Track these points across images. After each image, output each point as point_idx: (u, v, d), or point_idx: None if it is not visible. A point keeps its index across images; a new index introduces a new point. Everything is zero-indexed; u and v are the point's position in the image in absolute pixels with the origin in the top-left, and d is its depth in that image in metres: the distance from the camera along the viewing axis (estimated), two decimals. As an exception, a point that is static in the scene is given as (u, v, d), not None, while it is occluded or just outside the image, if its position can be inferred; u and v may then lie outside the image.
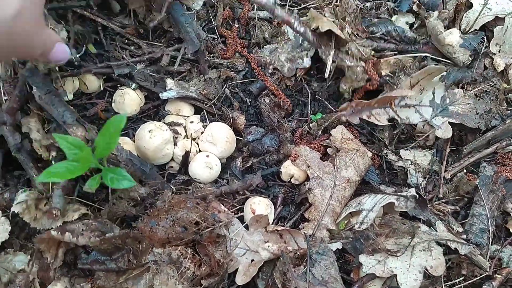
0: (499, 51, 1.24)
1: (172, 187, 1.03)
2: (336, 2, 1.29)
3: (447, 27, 1.29)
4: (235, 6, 1.28)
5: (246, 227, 1.00)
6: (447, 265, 0.96)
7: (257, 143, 1.14)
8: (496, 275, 0.98)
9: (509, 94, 1.20)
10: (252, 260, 0.97)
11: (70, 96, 1.10)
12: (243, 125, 1.14)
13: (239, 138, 1.15)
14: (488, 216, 1.03)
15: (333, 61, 1.13)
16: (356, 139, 1.13)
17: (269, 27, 1.27)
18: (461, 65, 1.18)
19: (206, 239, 0.95)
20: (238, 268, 0.96)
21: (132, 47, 1.18)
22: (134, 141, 1.07)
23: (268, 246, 0.96)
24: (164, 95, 1.10)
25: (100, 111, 1.10)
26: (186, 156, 1.07)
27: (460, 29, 1.31)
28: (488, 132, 1.13)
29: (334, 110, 1.20)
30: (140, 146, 1.03)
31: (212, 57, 1.20)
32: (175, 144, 1.08)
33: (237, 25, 1.26)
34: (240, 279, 0.95)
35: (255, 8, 1.28)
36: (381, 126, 1.16)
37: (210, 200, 0.99)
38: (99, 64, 1.12)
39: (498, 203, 1.05)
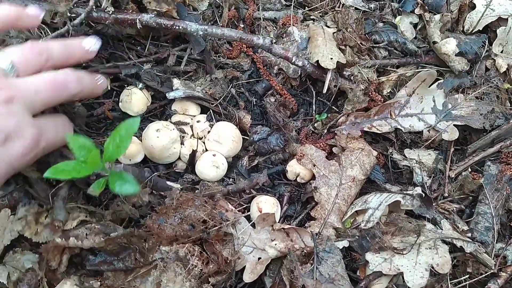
0: (501, 52, 1.25)
1: (180, 186, 1.04)
2: (339, 7, 1.31)
3: (450, 29, 1.30)
4: (240, 7, 1.29)
5: (253, 225, 1.01)
6: (453, 263, 0.97)
7: (262, 142, 1.15)
8: (501, 272, 0.99)
9: (513, 94, 1.21)
10: (259, 258, 0.97)
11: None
12: (249, 125, 1.15)
13: (245, 137, 1.16)
14: (493, 214, 1.04)
15: (335, 86, 1.15)
16: (361, 138, 1.14)
17: (274, 28, 1.28)
18: (457, 73, 1.20)
19: (213, 237, 0.95)
20: (245, 266, 0.97)
21: (138, 47, 1.19)
22: (141, 140, 1.07)
23: (275, 244, 0.97)
24: (171, 95, 1.11)
25: (107, 111, 1.11)
26: (193, 155, 1.08)
27: (463, 30, 1.32)
28: (493, 131, 1.14)
29: (338, 111, 1.21)
30: (148, 145, 1.04)
31: (218, 57, 1.21)
32: (182, 143, 1.09)
33: (242, 25, 1.27)
34: (247, 277, 0.96)
35: (260, 8, 1.29)
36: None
37: (217, 199, 1.00)
38: (106, 64, 1.13)
39: (503, 202, 1.06)
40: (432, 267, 0.91)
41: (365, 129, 1.13)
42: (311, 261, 0.94)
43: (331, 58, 1.12)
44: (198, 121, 1.12)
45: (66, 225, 0.94)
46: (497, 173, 1.09)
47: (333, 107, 1.22)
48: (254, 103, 1.21)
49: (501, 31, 1.24)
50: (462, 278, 0.99)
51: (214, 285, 0.94)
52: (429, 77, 1.14)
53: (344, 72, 1.16)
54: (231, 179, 1.11)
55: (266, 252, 0.97)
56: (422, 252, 0.93)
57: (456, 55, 1.19)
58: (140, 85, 1.12)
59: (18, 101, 0.77)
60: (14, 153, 0.76)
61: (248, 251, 0.98)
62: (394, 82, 1.20)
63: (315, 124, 1.19)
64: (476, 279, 0.98)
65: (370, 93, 1.16)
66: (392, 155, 1.14)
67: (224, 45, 1.24)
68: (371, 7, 1.31)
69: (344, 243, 0.97)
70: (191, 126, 1.12)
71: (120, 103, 1.13)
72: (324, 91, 1.13)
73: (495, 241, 1.03)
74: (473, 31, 1.29)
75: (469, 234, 1.03)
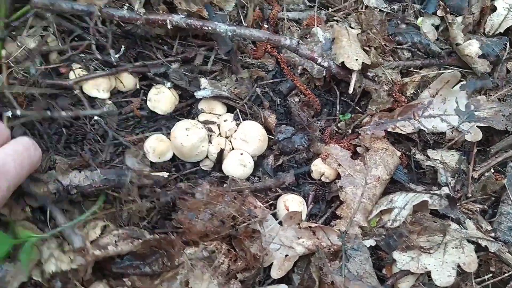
0: (523, 54, 1.26)
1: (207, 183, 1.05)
2: (362, 8, 1.32)
3: (472, 31, 1.31)
4: (264, 7, 1.31)
5: (280, 223, 1.03)
6: (477, 262, 0.99)
7: (287, 141, 1.16)
8: (524, 272, 1.00)
9: (535, 96, 1.23)
10: (287, 255, 0.99)
11: (107, 95, 1.12)
12: (274, 124, 1.17)
13: (270, 136, 1.17)
14: (517, 215, 1.06)
15: (359, 86, 1.16)
16: (385, 138, 1.15)
17: (298, 28, 1.30)
18: (479, 75, 1.21)
19: (242, 234, 0.97)
20: (273, 263, 0.99)
21: (165, 47, 1.21)
22: (169, 139, 1.09)
23: (302, 242, 0.99)
24: (199, 94, 1.12)
25: (136, 109, 1.13)
26: (221, 154, 1.09)
27: (484, 32, 1.34)
28: (515, 133, 1.16)
29: (361, 111, 1.23)
30: (177, 144, 1.06)
31: (244, 57, 1.23)
32: (209, 142, 1.11)
33: (266, 26, 1.29)
34: (275, 273, 0.98)
35: (284, 9, 1.31)
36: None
37: (246, 195, 1.02)
38: (135, 63, 1.14)
39: (526, 203, 1.08)
40: (459, 266, 0.93)
41: (389, 129, 1.15)
42: (339, 259, 0.96)
43: (356, 59, 1.13)
44: (225, 120, 1.13)
45: (90, 236, 0.92)
46: (520, 174, 1.11)
47: (356, 107, 1.23)
48: (278, 102, 1.22)
49: (522, 34, 1.26)
50: (486, 277, 1.00)
51: (243, 281, 0.96)
52: (452, 78, 1.16)
53: (368, 73, 1.18)
54: (256, 178, 1.13)
55: (294, 249, 0.99)
56: (448, 251, 0.95)
57: (478, 57, 1.20)
58: (169, 84, 1.14)
59: None
60: None
61: (275, 248, 1.00)
62: (418, 83, 1.22)
63: (339, 124, 1.21)
64: (499, 278, 1.00)
65: (394, 94, 1.17)
66: (415, 155, 1.15)
67: (249, 45, 1.26)
68: (393, 9, 1.33)
69: (371, 242, 0.98)
70: (218, 125, 1.14)
71: (148, 102, 1.15)
72: (350, 91, 1.14)
73: (518, 241, 1.04)
74: (495, 34, 1.31)
75: (492, 234, 1.04)
